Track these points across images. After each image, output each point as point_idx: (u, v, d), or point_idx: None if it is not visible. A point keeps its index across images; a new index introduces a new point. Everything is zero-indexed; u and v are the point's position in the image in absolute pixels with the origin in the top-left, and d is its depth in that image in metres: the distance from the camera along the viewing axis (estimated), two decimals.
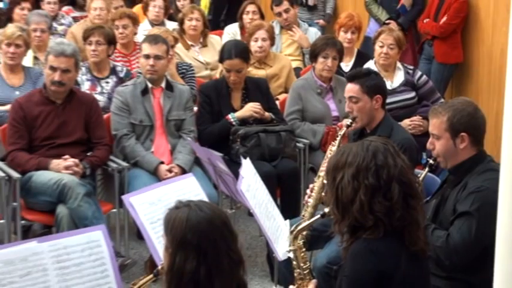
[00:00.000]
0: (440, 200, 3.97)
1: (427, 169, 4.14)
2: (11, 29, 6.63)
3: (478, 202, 3.70)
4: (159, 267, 2.97)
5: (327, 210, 3.30)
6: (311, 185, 4.63)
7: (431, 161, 4.13)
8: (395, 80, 6.23)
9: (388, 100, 5.37)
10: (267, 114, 6.08)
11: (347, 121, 4.89)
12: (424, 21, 7.92)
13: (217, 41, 7.61)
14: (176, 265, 2.70)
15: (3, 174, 5.46)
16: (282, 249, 4.09)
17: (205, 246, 2.69)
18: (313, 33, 8.07)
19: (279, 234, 4.21)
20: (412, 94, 6.32)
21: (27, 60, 6.87)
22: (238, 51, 6.18)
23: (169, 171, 5.65)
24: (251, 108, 6.05)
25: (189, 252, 2.69)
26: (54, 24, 8.46)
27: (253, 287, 5.27)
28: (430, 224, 3.83)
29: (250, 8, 8.19)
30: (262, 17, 8.18)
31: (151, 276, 3.14)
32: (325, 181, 4.42)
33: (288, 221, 4.30)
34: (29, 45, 6.79)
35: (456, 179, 3.93)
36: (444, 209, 3.91)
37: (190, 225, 2.71)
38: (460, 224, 3.74)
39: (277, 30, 7.83)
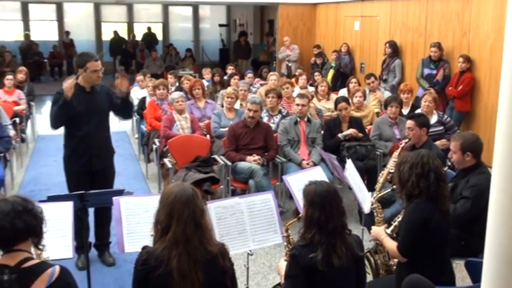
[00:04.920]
0: (453, 186, 3.84)
1: (450, 164, 4.07)
2: (229, 89, 6.90)
3: (474, 192, 3.64)
4: (300, 215, 2.94)
5: (395, 186, 3.30)
6: (382, 172, 4.52)
7: (449, 163, 4.05)
8: (432, 119, 5.97)
9: None
10: (360, 134, 5.98)
11: (405, 140, 4.78)
12: (449, 88, 7.59)
13: (335, 97, 7.52)
14: (309, 215, 2.70)
15: (223, 163, 5.61)
16: (367, 207, 4.01)
17: (324, 204, 2.67)
18: (387, 94, 7.88)
19: (365, 199, 4.12)
20: (441, 128, 6.05)
21: (237, 105, 7.01)
22: (343, 99, 6.25)
23: (307, 164, 5.61)
24: (351, 130, 5.97)
25: (315, 207, 2.68)
26: (251, 87, 8.63)
27: (350, 226, 5.13)
28: None
29: (353, 80, 8.08)
30: (359, 84, 8.04)
31: (295, 219, 3.13)
32: (390, 170, 4.35)
33: (370, 193, 4.22)
34: (238, 97, 6.97)
35: (463, 175, 3.83)
36: (456, 190, 3.81)
37: (316, 193, 2.70)
38: (463, 202, 3.69)
39: (367, 91, 7.66)
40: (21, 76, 8.90)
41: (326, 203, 2.67)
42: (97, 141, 4.43)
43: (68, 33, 17.57)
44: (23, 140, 8.09)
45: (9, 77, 8.29)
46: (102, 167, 4.49)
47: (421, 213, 2.98)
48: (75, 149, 4.43)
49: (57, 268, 2.20)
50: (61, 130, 4.51)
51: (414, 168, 3.02)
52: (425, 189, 2.99)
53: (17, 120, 7.49)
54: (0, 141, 5.69)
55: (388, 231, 3.31)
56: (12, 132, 6.38)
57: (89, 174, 4.44)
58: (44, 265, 2.21)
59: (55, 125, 4.38)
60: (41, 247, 2.31)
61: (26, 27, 17.91)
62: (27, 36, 17.28)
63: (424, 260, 2.97)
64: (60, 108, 4.22)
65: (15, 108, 7.82)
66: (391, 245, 3.15)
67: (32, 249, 2.28)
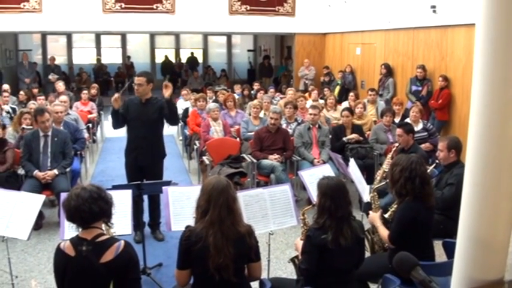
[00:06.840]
0: (440, 178, 3.85)
1: (434, 164, 3.99)
2: (255, 101, 6.91)
3: (457, 179, 3.63)
4: (313, 203, 2.91)
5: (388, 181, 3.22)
6: (378, 172, 4.48)
7: (437, 161, 4.00)
8: (418, 127, 5.89)
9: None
10: (360, 138, 5.93)
11: (397, 144, 4.71)
12: (432, 102, 7.49)
13: (340, 108, 7.45)
14: (321, 203, 2.67)
15: (250, 160, 5.60)
16: (365, 196, 3.98)
17: (334, 195, 2.65)
18: (382, 105, 7.77)
19: (364, 190, 4.08)
20: (425, 133, 5.97)
21: (261, 114, 6.98)
22: (348, 109, 6.24)
23: (318, 162, 5.57)
24: (353, 135, 5.92)
25: (327, 198, 2.65)
26: (273, 100, 8.57)
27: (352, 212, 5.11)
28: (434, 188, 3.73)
29: (351, 93, 8.05)
30: (357, 97, 7.91)
31: (310, 206, 3.11)
32: (385, 169, 4.29)
33: (368, 185, 4.19)
34: (262, 108, 6.95)
35: (448, 169, 3.84)
36: (441, 181, 3.81)
37: (328, 186, 2.68)
38: (449, 188, 3.70)
39: (366, 103, 7.58)
40: (93, 91, 9.20)
41: (335, 195, 2.64)
42: (144, 143, 4.42)
43: (129, 57, 17.88)
44: (94, 141, 8.29)
45: (85, 91, 8.68)
46: (147, 164, 4.44)
47: (410, 212, 2.91)
48: (128, 146, 4.51)
49: (122, 242, 2.24)
50: (124, 133, 4.60)
51: (404, 172, 2.93)
52: (411, 191, 2.91)
53: (90, 125, 7.70)
54: (78, 142, 5.84)
55: (386, 215, 3.26)
56: (86, 135, 6.55)
57: (138, 168, 4.45)
58: (112, 240, 2.25)
59: (113, 127, 4.52)
60: (110, 225, 2.38)
61: (98, 53, 18.27)
62: (98, 60, 17.64)
63: (411, 243, 2.93)
64: (111, 115, 4.40)
65: (89, 116, 8.07)
66: (384, 233, 3.09)
67: (103, 226, 2.34)
